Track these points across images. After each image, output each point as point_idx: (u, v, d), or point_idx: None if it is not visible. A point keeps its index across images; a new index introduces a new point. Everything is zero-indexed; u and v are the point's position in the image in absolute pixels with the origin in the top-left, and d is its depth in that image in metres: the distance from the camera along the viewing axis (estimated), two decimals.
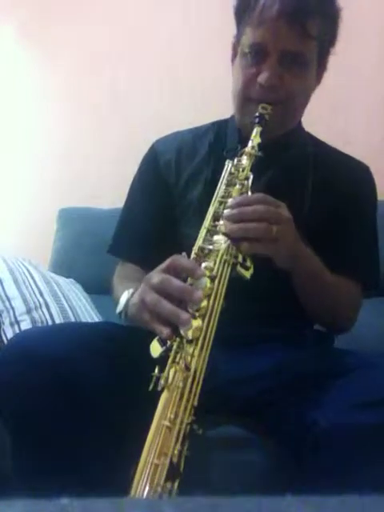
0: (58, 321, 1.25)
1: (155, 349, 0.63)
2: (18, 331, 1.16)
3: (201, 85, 1.88)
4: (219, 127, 1.01)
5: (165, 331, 0.63)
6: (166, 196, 0.99)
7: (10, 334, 1.16)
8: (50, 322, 1.22)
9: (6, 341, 1.16)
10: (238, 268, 0.69)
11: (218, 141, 0.98)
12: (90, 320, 1.38)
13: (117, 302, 0.88)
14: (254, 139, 0.84)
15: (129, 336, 0.85)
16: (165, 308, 0.65)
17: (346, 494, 0.25)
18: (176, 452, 0.54)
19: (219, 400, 0.81)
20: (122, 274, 1.03)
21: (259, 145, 0.83)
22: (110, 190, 1.91)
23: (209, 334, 0.63)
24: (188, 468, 0.55)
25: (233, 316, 0.86)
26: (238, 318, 0.87)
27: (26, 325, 1.17)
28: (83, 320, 1.35)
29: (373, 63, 1.85)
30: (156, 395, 0.60)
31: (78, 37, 1.99)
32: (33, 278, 1.32)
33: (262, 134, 0.84)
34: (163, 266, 0.69)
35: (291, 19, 0.80)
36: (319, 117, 1.79)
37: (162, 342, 0.63)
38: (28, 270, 1.34)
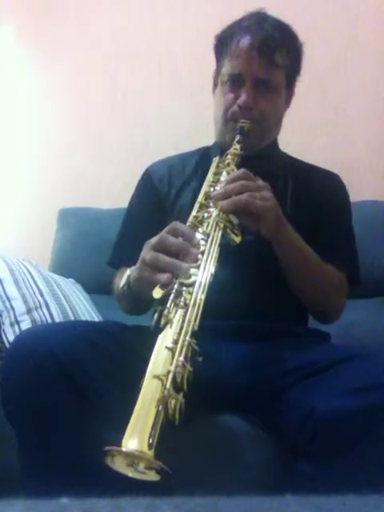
0: (57, 320, 1.25)
1: (157, 292, 0.68)
2: (17, 331, 1.16)
3: (201, 85, 1.88)
4: (204, 150, 1.16)
5: (165, 276, 0.69)
6: (160, 208, 1.09)
7: (10, 334, 1.16)
8: (50, 322, 1.22)
9: (5, 341, 1.16)
10: (228, 232, 0.78)
11: (203, 159, 1.12)
12: (90, 320, 1.38)
13: (118, 294, 0.94)
14: (236, 143, 0.97)
15: (131, 335, 0.86)
16: (164, 260, 0.71)
17: (345, 494, 0.25)
18: (179, 364, 0.58)
19: (219, 389, 0.84)
20: (122, 273, 1.04)
21: (241, 147, 0.97)
22: (109, 190, 1.91)
23: (204, 281, 0.68)
24: (188, 468, 0.55)
25: (230, 309, 0.90)
26: (236, 312, 0.92)
27: (26, 325, 1.17)
28: (83, 320, 1.35)
29: (373, 64, 1.85)
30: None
31: (78, 37, 2.00)
32: (33, 278, 1.32)
33: (242, 143, 0.97)
34: (163, 231, 0.76)
35: (261, 51, 0.96)
36: (320, 118, 1.80)
37: (163, 288, 0.68)
38: (28, 270, 1.34)
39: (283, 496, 0.25)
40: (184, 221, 0.86)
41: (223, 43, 1.02)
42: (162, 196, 1.10)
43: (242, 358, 0.88)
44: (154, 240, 0.75)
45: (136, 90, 1.97)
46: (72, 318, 1.31)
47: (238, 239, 0.79)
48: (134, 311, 1.05)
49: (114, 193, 1.85)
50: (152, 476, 0.52)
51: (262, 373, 0.86)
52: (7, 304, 1.20)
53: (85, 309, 1.42)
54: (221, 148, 1.06)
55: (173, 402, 0.55)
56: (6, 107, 2.05)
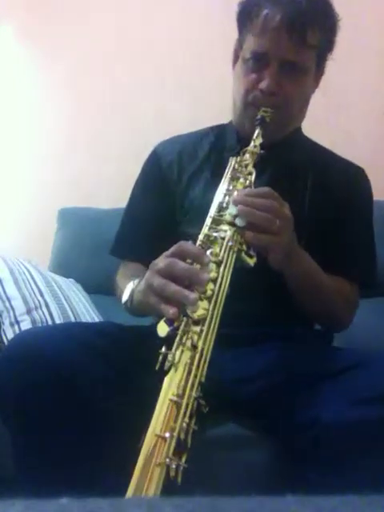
0: (58, 321, 1.25)
1: (162, 328, 0.63)
2: (17, 331, 1.16)
3: (201, 84, 1.89)
4: (218, 130, 1.05)
5: (171, 311, 0.63)
6: (168, 196, 1.01)
7: (10, 334, 1.16)
8: (49, 322, 1.22)
9: (6, 341, 1.16)
10: (243, 255, 0.72)
11: (217, 142, 1.02)
12: (89, 320, 1.38)
13: (121, 296, 0.90)
14: (256, 139, 0.88)
15: (129, 336, 0.85)
16: (172, 289, 0.65)
17: (345, 494, 0.25)
18: (184, 425, 0.55)
19: (221, 398, 0.81)
20: (125, 272, 1.03)
21: (261, 144, 0.87)
22: (109, 190, 1.91)
23: (215, 315, 0.64)
24: (188, 467, 0.55)
25: (234, 316, 0.87)
26: (239, 318, 0.88)
27: (25, 325, 1.17)
28: (83, 320, 1.35)
29: (373, 63, 1.85)
30: (157, 392, 0.60)
31: (78, 37, 2.00)
32: (33, 278, 1.32)
33: (263, 136, 0.88)
34: (169, 251, 0.70)
35: (292, 30, 0.84)
36: (320, 117, 1.80)
37: (169, 323, 0.63)
38: (28, 270, 1.34)
39: (283, 496, 0.25)
40: (193, 215, 0.82)
41: (248, 14, 0.89)
42: (171, 184, 1.02)
43: (246, 364, 0.87)
44: (161, 265, 0.68)
45: (136, 90, 1.97)
46: (72, 318, 1.31)
47: (252, 262, 0.73)
48: (135, 315, 1.03)
49: (114, 193, 1.85)
50: None
51: (266, 379, 0.84)
52: (7, 304, 1.19)
53: (85, 309, 1.42)
54: (237, 132, 0.99)
55: (174, 464, 0.53)
56: (5, 107, 2.05)
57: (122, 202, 1.18)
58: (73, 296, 1.42)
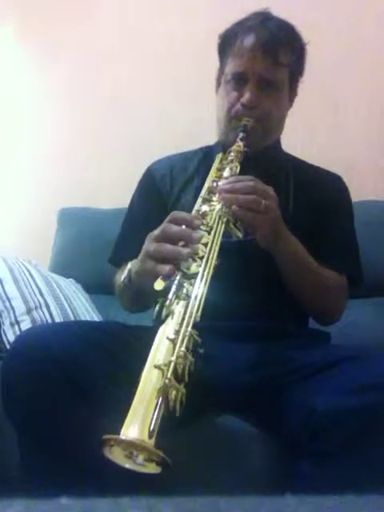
0: (57, 321, 1.25)
1: (159, 283, 0.68)
2: (18, 331, 1.16)
3: (201, 85, 1.88)
4: (206, 149, 1.15)
5: (168, 267, 0.68)
6: (162, 206, 1.08)
7: (10, 334, 1.16)
8: (50, 322, 1.22)
9: (6, 341, 1.16)
10: (231, 225, 0.79)
11: (206, 158, 1.11)
12: (90, 320, 1.39)
13: (120, 285, 0.94)
14: (240, 140, 0.97)
15: (133, 335, 0.86)
16: (167, 248, 0.71)
17: (345, 494, 0.25)
18: (180, 353, 0.57)
19: (220, 389, 0.83)
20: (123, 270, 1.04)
21: (244, 144, 0.96)
22: (110, 190, 1.91)
23: (207, 271, 0.69)
24: (188, 468, 0.55)
25: (231, 310, 0.89)
26: (236, 312, 0.92)
27: (25, 325, 1.17)
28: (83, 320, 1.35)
29: (372, 63, 1.85)
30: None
31: (78, 37, 2.00)
32: (33, 277, 1.32)
33: (245, 145, 0.96)
34: (164, 221, 0.76)
35: (265, 50, 0.96)
36: (320, 118, 1.80)
37: (165, 279, 0.68)
38: (28, 270, 1.34)
39: (283, 496, 0.25)
40: None
41: (227, 42, 1.02)
42: (164, 194, 1.09)
43: (242, 358, 0.88)
44: (156, 231, 0.75)
45: (136, 90, 1.97)
46: (72, 318, 1.31)
47: (240, 234, 0.79)
48: (134, 307, 1.04)
49: (114, 193, 1.85)
50: (152, 468, 0.50)
51: (263, 373, 0.85)
52: (7, 304, 1.20)
53: (85, 309, 1.42)
54: (223, 147, 1.05)
55: (173, 392, 0.54)
56: (6, 107, 2.05)
57: (123, 203, 1.18)
58: (73, 296, 1.42)
